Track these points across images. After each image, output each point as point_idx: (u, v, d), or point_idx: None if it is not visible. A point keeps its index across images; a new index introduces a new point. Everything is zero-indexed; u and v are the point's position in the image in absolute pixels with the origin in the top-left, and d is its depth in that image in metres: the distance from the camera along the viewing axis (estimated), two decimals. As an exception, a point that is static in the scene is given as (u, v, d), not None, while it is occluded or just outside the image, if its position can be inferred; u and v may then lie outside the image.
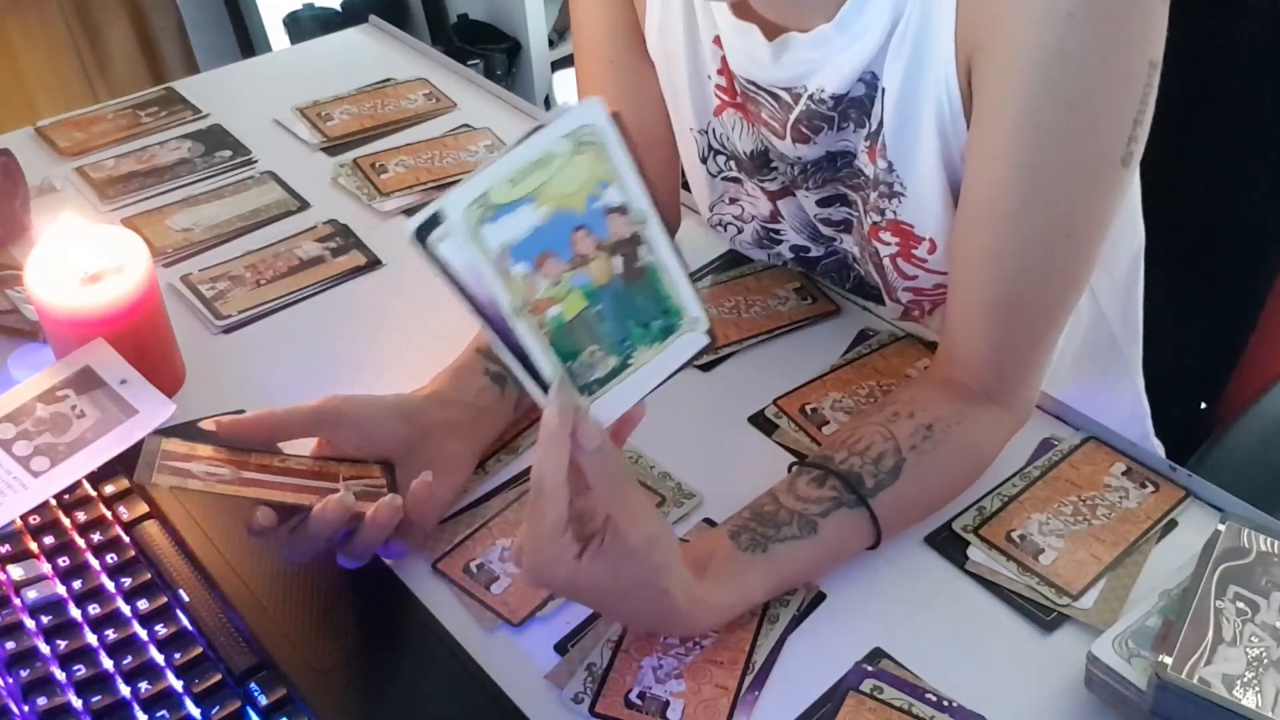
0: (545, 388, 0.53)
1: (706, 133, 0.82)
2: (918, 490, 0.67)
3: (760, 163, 0.80)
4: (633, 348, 0.55)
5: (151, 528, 0.68)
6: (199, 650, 0.61)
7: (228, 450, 0.65)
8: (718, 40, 0.75)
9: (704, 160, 0.84)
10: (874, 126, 0.70)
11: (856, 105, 0.70)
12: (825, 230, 0.82)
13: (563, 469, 0.53)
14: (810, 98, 0.70)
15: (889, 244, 0.75)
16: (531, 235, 0.51)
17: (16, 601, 0.63)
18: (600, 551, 0.56)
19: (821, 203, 0.79)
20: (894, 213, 0.73)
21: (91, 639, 0.62)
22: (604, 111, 0.52)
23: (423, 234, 0.49)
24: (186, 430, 0.66)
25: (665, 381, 0.56)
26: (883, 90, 0.68)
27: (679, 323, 0.56)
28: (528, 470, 0.74)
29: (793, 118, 0.72)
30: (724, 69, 0.76)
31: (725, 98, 0.78)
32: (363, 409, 0.69)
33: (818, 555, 0.65)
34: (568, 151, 0.51)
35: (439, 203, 0.49)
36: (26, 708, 0.58)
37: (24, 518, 0.68)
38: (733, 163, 0.82)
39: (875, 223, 0.75)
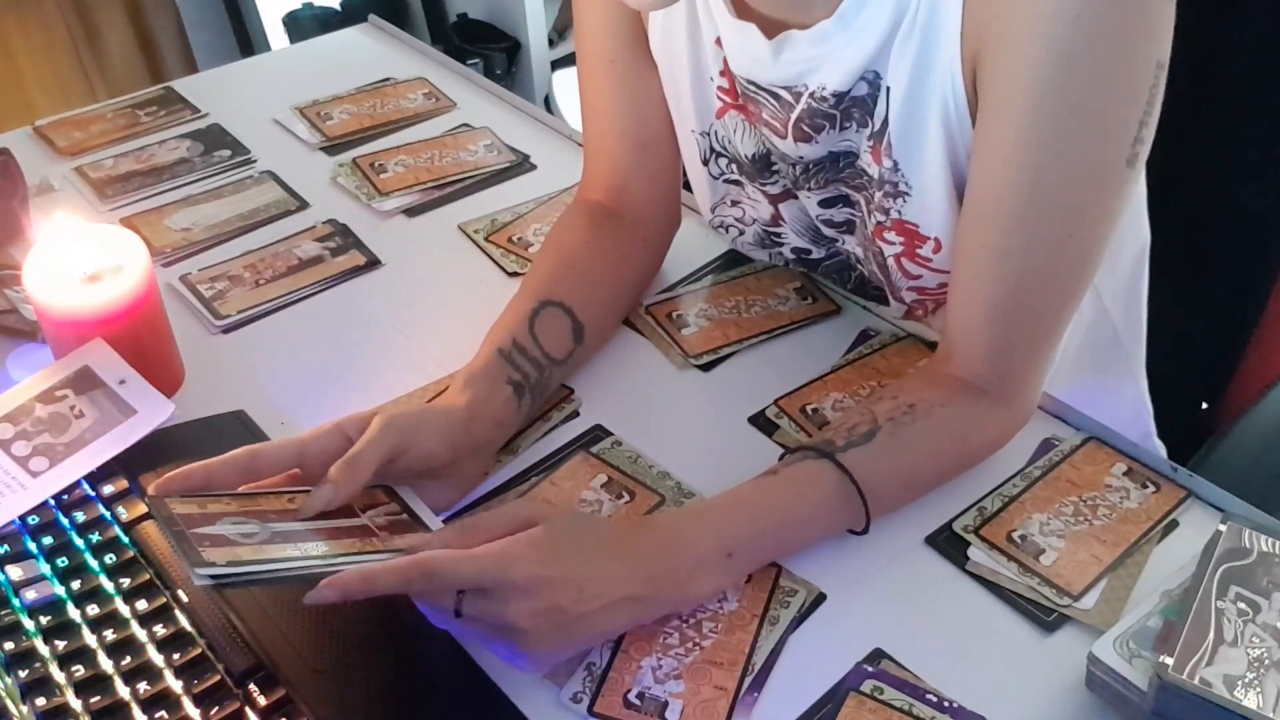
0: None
1: (708, 135, 0.82)
2: (893, 458, 0.67)
3: (761, 165, 0.79)
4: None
5: (150, 528, 0.68)
6: (198, 651, 0.61)
7: (233, 499, 0.61)
8: (719, 41, 0.74)
9: (705, 163, 0.84)
10: (877, 126, 0.70)
11: (859, 105, 0.70)
12: (827, 231, 0.82)
13: (449, 577, 0.57)
14: (811, 96, 0.70)
15: (893, 244, 0.75)
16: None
17: (16, 602, 0.63)
18: (535, 536, 0.59)
19: (824, 203, 0.79)
20: (899, 212, 0.73)
21: (90, 639, 0.61)
22: None
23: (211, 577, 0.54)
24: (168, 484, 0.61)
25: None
26: (887, 90, 0.68)
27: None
28: (527, 471, 0.74)
29: (794, 117, 0.72)
30: (726, 70, 0.76)
31: (727, 99, 0.78)
32: (428, 423, 0.67)
33: (783, 493, 0.65)
34: None
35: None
36: (26, 708, 0.58)
37: (23, 518, 0.68)
38: (734, 165, 0.82)
39: (880, 222, 0.74)
